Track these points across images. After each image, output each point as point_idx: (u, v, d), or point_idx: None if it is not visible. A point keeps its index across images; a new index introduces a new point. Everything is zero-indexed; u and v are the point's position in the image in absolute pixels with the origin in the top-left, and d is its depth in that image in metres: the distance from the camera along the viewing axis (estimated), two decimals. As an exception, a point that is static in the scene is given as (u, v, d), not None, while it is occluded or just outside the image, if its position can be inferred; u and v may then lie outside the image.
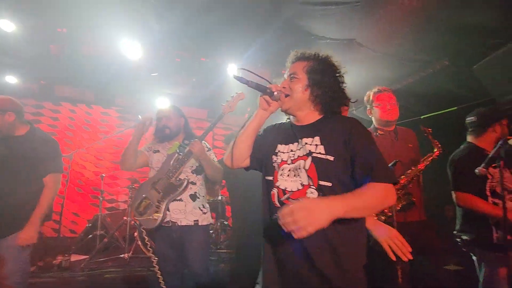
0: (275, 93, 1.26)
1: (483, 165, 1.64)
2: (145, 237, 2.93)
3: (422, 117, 4.09)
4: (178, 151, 2.21)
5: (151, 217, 2.09)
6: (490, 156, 1.63)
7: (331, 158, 1.17)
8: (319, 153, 1.19)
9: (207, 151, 2.24)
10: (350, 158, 1.17)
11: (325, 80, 1.25)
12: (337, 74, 1.30)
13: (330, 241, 1.13)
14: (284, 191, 1.22)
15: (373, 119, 2.28)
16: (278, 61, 3.70)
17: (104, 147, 5.24)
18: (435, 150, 2.09)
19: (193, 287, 2.13)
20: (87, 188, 5.06)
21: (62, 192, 3.90)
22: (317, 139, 1.22)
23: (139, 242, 3.35)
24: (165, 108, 2.38)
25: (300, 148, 1.24)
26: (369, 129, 2.16)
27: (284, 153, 1.28)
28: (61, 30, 3.36)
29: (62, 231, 4.28)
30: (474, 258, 2.09)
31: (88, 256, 3.36)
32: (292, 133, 1.31)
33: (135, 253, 3.40)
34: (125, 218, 3.67)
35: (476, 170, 1.64)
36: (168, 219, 2.11)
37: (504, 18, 2.42)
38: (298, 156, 1.23)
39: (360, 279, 1.17)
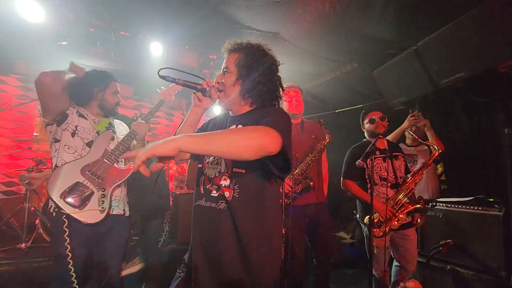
0: (207, 89, 1.26)
1: (361, 158, 1.97)
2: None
3: (336, 111, 4.58)
4: (110, 129, 1.93)
5: (96, 209, 1.66)
6: (366, 151, 1.96)
7: None
8: None
9: None
10: None
11: (253, 74, 1.22)
12: (268, 66, 1.25)
13: (240, 235, 1.15)
14: (209, 179, 1.25)
15: None
16: (205, 45, 3.63)
17: (0, 122, 4.43)
18: (327, 138, 2.44)
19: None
20: (-27, 169, 4.27)
21: None
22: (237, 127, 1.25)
23: (41, 230, 3.02)
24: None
25: None
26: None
27: None
28: None
29: None
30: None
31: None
32: (225, 124, 1.33)
33: (35, 243, 3.06)
34: (25, 204, 3.24)
35: (356, 163, 1.96)
36: None
37: (398, 32, 2.85)
38: None
39: (266, 276, 1.17)
